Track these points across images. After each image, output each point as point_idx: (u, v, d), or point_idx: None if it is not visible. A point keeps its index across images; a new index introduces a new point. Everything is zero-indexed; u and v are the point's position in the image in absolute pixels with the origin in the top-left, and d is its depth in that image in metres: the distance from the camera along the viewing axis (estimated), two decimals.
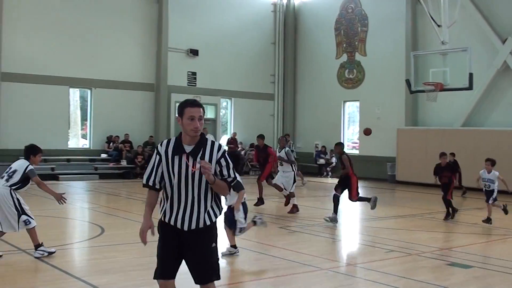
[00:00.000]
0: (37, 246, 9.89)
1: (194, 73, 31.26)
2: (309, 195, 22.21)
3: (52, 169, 25.91)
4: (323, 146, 31.57)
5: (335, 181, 23.09)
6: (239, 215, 10.07)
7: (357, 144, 31.52)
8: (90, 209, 17.62)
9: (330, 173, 30.62)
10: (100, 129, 28.43)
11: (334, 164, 30.61)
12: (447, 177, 15.51)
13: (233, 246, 10.31)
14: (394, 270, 9.44)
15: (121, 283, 8.43)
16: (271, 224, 14.21)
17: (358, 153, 30.77)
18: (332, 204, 14.62)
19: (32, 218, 9.93)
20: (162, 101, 29.69)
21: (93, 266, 9.64)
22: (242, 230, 10.22)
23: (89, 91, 28.83)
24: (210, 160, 5.28)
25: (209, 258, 5.40)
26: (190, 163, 5.29)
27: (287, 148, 16.89)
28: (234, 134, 31.69)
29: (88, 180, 25.31)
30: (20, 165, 10.07)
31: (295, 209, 16.32)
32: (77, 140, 29.59)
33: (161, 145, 5.48)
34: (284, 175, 16.59)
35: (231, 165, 5.43)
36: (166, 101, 29.90)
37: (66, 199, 10.04)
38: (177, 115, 5.50)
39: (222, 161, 5.39)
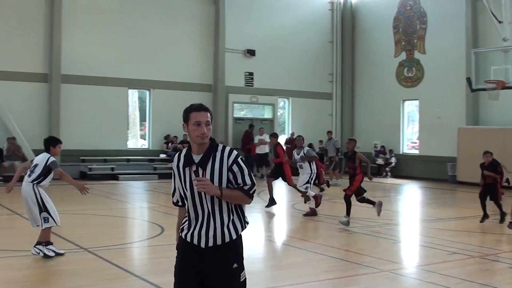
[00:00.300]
0: (39, 243, 9.83)
1: (251, 73, 31.33)
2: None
3: (112, 169, 26.34)
4: (382, 146, 31.20)
5: (395, 181, 22.94)
6: None
7: (417, 144, 31.09)
8: (149, 208, 17.81)
9: (389, 174, 30.20)
10: (159, 130, 28.72)
11: (393, 164, 30.25)
12: (492, 177, 14.97)
13: None
14: (457, 273, 9.27)
15: None
16: (331, 225, 14.13)
17: (418, 153, 30.38)
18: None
19: (52, 218, 9.86)
20: (220, 102, 29.83)
21: (154, 265, 9.73)
22: None
23: (147, 92, 29.17)
24: (221, 168, 4.78)
25: (230, 282, 4.79)
26: (200, 175, 4.80)
27: (306, 148, 16.27)
28: (292, 134, 31.55)
29: (147, 180, 25.56)
30: (41, 159, 10.06)
31: (311, 212, 15.51)
32: (136, 141, 29.98)
33: (173, 159, 5.05)
34: (303, 176, 15.94)
35: (245, 171, 4.85)
36: (224, 102, 30.03)
37: (88, 189, 9.93)
38: (183, 122, 4.95)
39: (235, 167, 4.82)
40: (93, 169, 25.73)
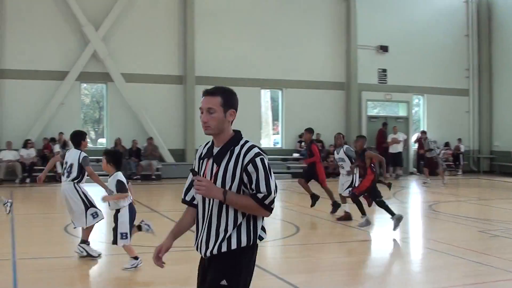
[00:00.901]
0: (84, 241, 9.57)
1: (384, 70, 30.82)
2: (510, 197, 21.11)
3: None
4: None
5: None
6: (122, 218, 8.89)
7: None
8: (283, 207, 17.84)
9: None
10: (292, 129, 28.81)
11: None
12: None
13: (135, 257, 8.99)
14: None
15: (319, 283, 8.48)
16: (470, 228, 13.64)
17: None
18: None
19: (100, 210, 9.76)
20: (353, 100, 29.57)
21: (290, 265, 9.74)
22: (123, 236, 8.84)
23: (280, 92, 29.36)
24: (235, 167, 4.07)
25: None
26: (208, 171, 4.18)
27: (346, 147, 14.89)
28: (422, 132, 30.63)
29: (281, 179, 25.56)
30: (74, 156, 9.73)
31: (346, 216, 14.08)
32: (269, 140, 30.24)
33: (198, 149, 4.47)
34: (344, 178, 14.59)
35: (262, 174, 4.06)
36: (357, 100, 29.73)
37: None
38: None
39: (250, 167, 4.06)
40: None
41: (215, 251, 4.10)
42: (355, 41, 29.85)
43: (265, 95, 30.01)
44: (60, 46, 25.84)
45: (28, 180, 23.63)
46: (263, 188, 4.04)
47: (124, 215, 8.86)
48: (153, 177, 25.24)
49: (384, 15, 30.54)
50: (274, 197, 4.10)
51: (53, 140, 24.78)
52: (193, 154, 26.96)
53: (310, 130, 16.01)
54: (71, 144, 10.14)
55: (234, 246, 4.08)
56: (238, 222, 4.10)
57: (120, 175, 8.89)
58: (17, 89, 25.23)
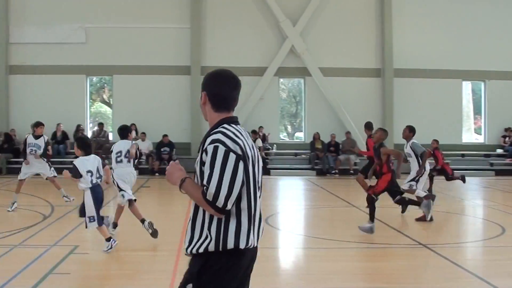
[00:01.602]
0: (143, 220, 10.17)
1: None
2: None
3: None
4: None
5: None
6: (86, 201, 9.29)
7: None
8: (486, 206, 17.05)
9: None
10: (495, 123, 27.54)
11: None
12: None
13: (107, 239, 9.36)
14: None
15: None
16: None
17: None
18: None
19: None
20: None
21: (496, 267, 9.19)
22: (91, 220, 9.22)
23: (482, 84, 28.15)
24: (200, 157, 3.66)
25: None
26: None
27: (412, 141, 13.42)
28: None
29: (483, 176, 24.65)
30: (128, 145, 10.67)
31: (423, 217, 12.71)
32: (470, 135, 29.12)
33: None
34: (410, 173, 13.37)
35: (208, 164, 3.54)
36: None
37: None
38: None
39: (204, 156, 3.59)
40: None
41: (188, 251, 3.72)
42: None
43: (466, 87, 28.88)
44: (258, 42, 26.57)
45: None
46: (206, 179, 3.52)
47: (87, 198, 9.28)
48: (351, 171, 25.10)
49: None
50: (218, 195, 3.50)
51: (254, 132, 25.44)
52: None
53: (367, 125, 15.39)
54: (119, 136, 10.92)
55: (201, 249, 3.64)
56: (211, 223, 3.64)
57: (77, 160, 9.36)
58: None
